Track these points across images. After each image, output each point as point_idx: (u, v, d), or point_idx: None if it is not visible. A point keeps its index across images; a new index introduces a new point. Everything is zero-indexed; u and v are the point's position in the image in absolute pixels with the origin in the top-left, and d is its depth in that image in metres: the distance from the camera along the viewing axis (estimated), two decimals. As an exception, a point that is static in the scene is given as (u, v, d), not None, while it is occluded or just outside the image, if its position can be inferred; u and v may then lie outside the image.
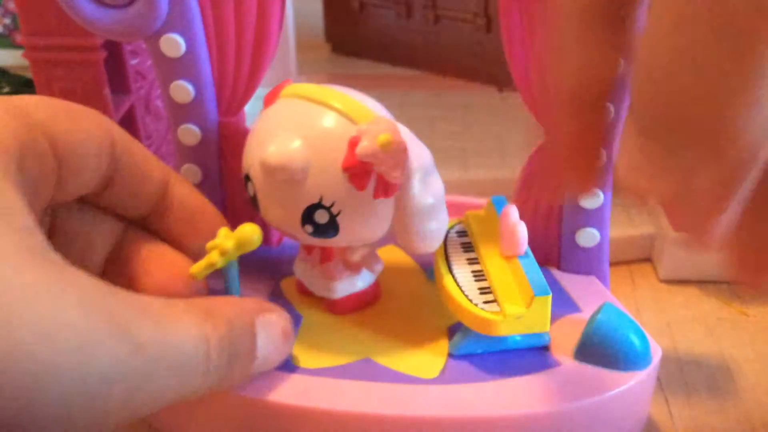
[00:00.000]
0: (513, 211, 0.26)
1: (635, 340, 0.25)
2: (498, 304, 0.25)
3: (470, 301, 0.25)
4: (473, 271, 0.27)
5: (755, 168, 0.14)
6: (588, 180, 0.22)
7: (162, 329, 0.18)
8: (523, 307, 0.24)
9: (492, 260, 0.27)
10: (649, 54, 0.14)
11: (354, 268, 0.28)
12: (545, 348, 0.27)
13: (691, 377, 0.30)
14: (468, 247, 0.28)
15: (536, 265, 0.26)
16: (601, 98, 0.20)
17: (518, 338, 0.26)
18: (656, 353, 0.26)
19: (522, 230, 0.26)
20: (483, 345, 0.26)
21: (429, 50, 0.60)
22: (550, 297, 0.24)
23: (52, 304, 0.16)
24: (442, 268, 0.27)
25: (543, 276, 0.25)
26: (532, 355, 0.26)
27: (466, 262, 0.27)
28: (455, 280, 0.26)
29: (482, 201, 0.35)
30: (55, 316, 0.15)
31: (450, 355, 0.26)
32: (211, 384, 0.20)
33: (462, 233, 0.29)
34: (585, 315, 0.28)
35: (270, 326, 0.23)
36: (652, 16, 0.14)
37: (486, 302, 0.25)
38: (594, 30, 0.19)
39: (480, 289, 0.26)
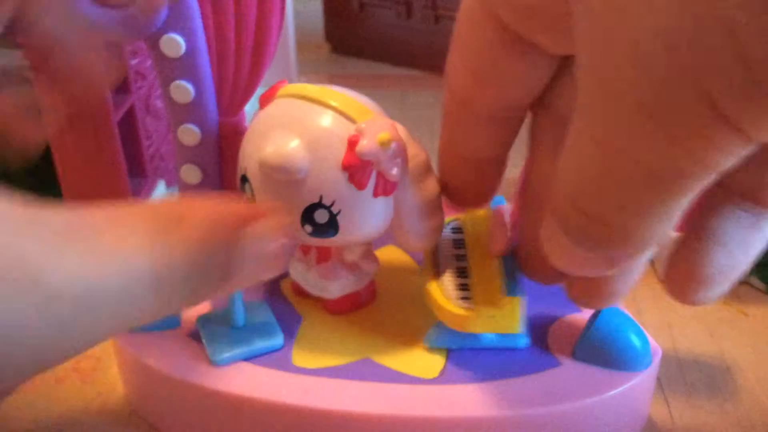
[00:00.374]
0: (502, 212, 0.26)
1: (635, 340, 0.25)
2: (473, 302, 0.25)
3: (446, 296, 0.25)
4: (458, 268, 0.26)
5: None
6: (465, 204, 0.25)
7: (90, 266, 0.15)
8: (495, 306, 0.24)
9: (478, 259, 0.27)
10: (577, 167, 0.16)
11: (351, 268, 0.28)
12: (545, 348, 0.27)
13: (691, 377, 0.30)
14: (460, 244, 0.28)
15: (509, 264, 0.25)
16: (480, 167, 0.23)
17: (493, 337, 0.26)
18: (656, 353, 0.26)
19: (502, 236, 0.26)
20: (457, 341, 0.26)
21: (429, 50, 0.60)
22: (520, 299, 0.24)
23: None
24: (428, 263, 0.27)
25: (517, 278, 0.24)
26: (532, 355, 0.26)
27: (453, 258, 0.27)
28: (436, 275, 0.26)
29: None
30: None
31: (449, 356, 0.26)
32: (166, 310, 0.17)
33: (457, 230, 0.29)
34: (585, 315, 0.28)
35: (257, 240, 0.19)
36: (581, 134, 0.15)
37: (462, 299, 0.25)
38: (479, 123, 0.21)
39: (460, 285, 0.25)
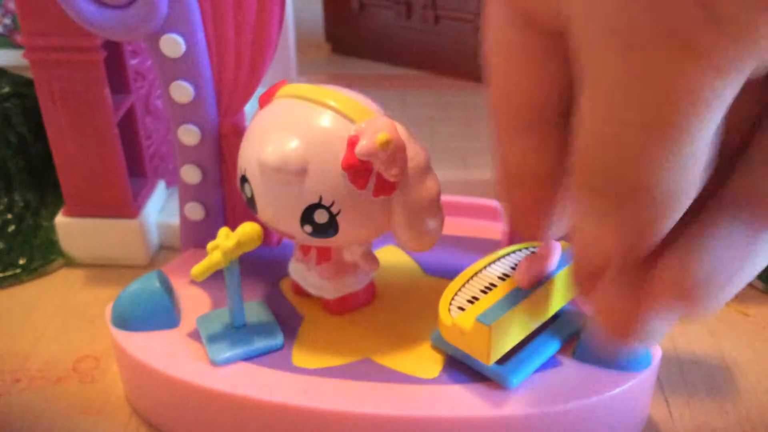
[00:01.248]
0: (549, 246, 0.25)
1: (635, 340, 0.25)
2: (461, 315, 0.24)
3: (449, 300, 0.25)
4: (490, 284, 0.25)
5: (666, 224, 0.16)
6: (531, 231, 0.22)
7: None
8: (465, 324, 0.23)
9: (510, 282, 0.26)
10: (590, 122, 0.16)
11: (350, 268, 0.28)
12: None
13: (691, 377, 0.30)
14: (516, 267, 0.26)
15: (517, 299, 0.24)
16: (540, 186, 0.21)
17: (476, 361, 0.25)
18: (656, 353, 0.26)
19: (528, 268, 0.25)
20: (451, 348, 0.26)
21: (429, 50, 0.60)
22: (488, 328, 0.23)
23: None
24: (473, 268, 0.26)
25: (503, 311, 0.23)
26: (532, 355, 0.26)
27: (498, 273, 0.26)
28: (465, 282, 0.26)
29: (482, 201, 0.35)
30: None
31: (449, 356, 0.26)
32: None
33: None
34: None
35: None
36: (590, 102, 0.15)
37: (459, 307, 0.24)
38: (524, 133, 0.20)
39: (472, 297, 0.25)
